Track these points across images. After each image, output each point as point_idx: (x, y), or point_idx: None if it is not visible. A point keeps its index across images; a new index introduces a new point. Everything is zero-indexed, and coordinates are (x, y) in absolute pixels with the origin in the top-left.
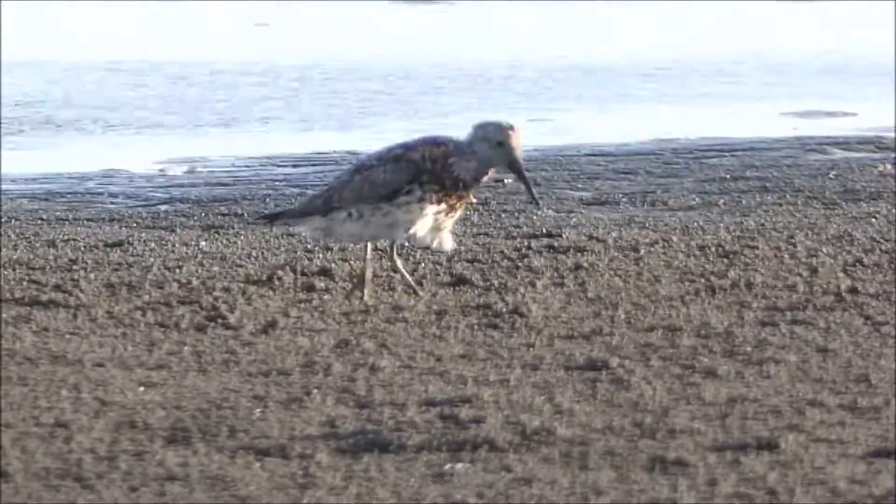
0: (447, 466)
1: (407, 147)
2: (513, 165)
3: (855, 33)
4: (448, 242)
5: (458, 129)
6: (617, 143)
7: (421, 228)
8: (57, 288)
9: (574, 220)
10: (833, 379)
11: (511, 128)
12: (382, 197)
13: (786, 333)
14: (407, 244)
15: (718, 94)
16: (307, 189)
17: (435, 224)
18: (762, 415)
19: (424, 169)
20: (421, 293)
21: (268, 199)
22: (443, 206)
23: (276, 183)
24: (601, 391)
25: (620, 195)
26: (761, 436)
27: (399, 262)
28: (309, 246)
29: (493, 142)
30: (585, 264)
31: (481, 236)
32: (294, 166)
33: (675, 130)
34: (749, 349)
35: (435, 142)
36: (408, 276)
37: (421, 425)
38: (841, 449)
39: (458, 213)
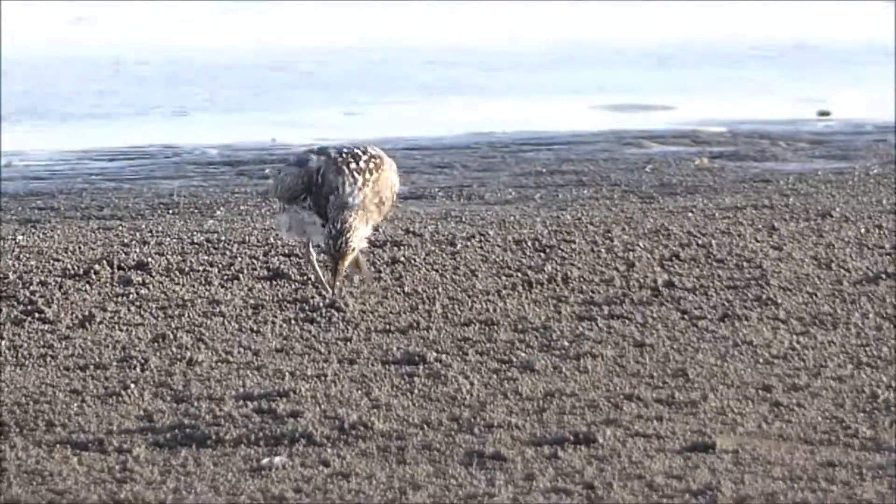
0: (265, 460)
1: (319, 152)
2: (332, 259)
3: (674, 25)
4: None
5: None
6: (433, 136)
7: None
8: None
9: (390, 214)
10: (650, 373)
11: (341, 233)
12: (288, 199)
13: (602, 328)
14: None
15: (534, 87)
16: (123, 183)
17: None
18: (579, 409)
19: (314, 185)
20: (330, 293)
21: (84, 194)
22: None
23: (93, 177)
24: (418, 385)
25: (437, 189)
26: (578, 430)
27: (312, 258)
28: (125, 240)
29: (331, 230)
30: (402, 258)
31: None
32: (110, 160)
33: (491, 124)
34: (566, 343)
35: (339, 169)
36: (319, 273)
37: (238, 419)
38: (658, 443)
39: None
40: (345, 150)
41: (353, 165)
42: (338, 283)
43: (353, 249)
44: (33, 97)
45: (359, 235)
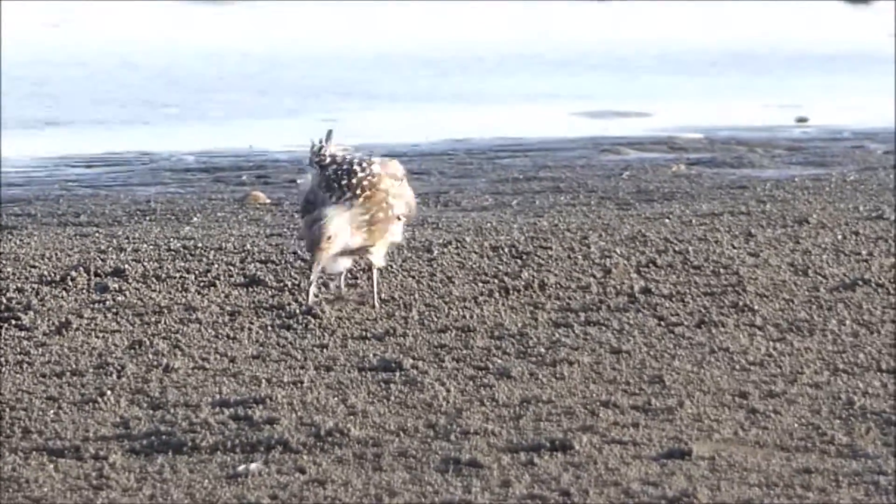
0: (241, 467)
1: (323, 167)
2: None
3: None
4: (380, 261)
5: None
6: (409, 143)
7: (338, 266)
8: None
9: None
10: (626, 380)
11: (319, 218)
12: (300, 210)
13: (579, 334)
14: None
15: (511, 94)
16: (100, 190)
17: (350, 258)
18: (556, 416)
19: (310, 203)
20: (307, 304)
21: (61, 200)
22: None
23: (69, 183)
24: (395, 392)
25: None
26: (555, 437)
27: (314, 275)
28: (102, 247)
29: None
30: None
31: (274, 237)
32: (87, 166)
33: (468, 131)
34: (542, 350)
35: (329, 185)
36: (312, 289)
37: (214, 426)
38: (634, 450)
39: (383, 244)
40: (344, 167)
41: (343, 182)
42: (313, 279)
43: (330, 239)
44: (9, 103)
45: (337, 227)
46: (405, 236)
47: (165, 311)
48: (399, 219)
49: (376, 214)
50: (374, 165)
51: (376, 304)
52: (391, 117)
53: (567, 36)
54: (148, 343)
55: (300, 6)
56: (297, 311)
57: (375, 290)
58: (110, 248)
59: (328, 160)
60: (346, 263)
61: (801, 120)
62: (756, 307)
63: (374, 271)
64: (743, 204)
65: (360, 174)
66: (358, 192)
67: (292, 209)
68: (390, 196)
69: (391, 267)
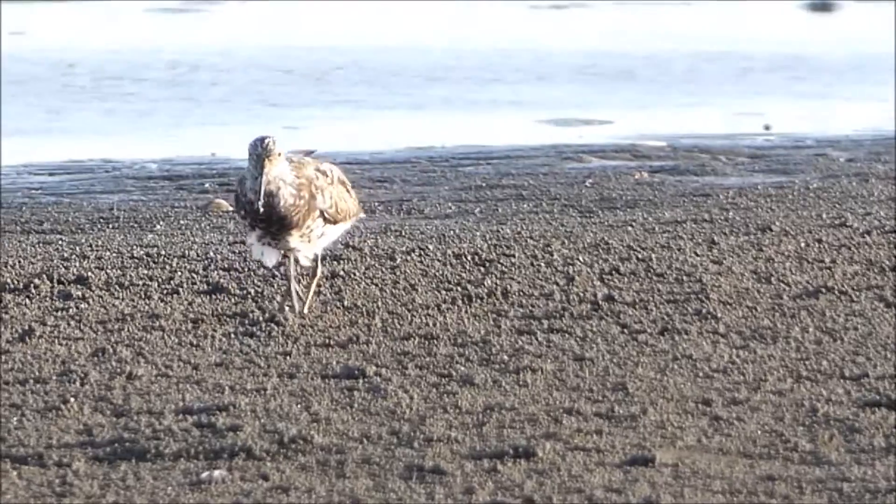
0: (204, 474)
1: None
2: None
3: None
4: (305, 260)
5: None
6: (372, 151)
7: (265, 257)
8: None
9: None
10: (590, 387)
11: (262, 140)
12: (236, 190)
13: (542, 342)
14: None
15: (474, 101)
16: (63, 197)
17: (273, 249)
18: (519, 423)
19: (235, 195)
20: (293, 314)
21: (24, 208)
22: (264, 236)
23: (32, 191)
24: (358, 399)
25: (376, 203)
26: (518, 444)
27: (290, 273)
28: (65, 254)
29: (251, 156)
30: (342, 272)
31: (237, 244)
32: (50, 174)
33: (431, 139)
34: (506, 357)
35: (257, 163)
36: (292, 287)
37: (178, 433)
38: (598, 457)
39: (297, 242)
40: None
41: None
42: (263, 183)
43: (278, 155)
44: None
45: (281, 163)
46: (368, 244)
47: (129, 319)
48: (324, 216)
49: (302, 188)
50: (303, 157)
51: (302, 311)
52: (354, 125)
53: (529, 44)
54: (111, 350)
55: (262, 13)
56: (261, 318)
57: (311, 295)
58: (73, 256)
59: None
60: (274, 256)
61: (767, 127)
62: (719, 314)
63: (315, 277)
64: (706, 212)
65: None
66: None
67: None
68: (313, 184)
69: (354, 274)
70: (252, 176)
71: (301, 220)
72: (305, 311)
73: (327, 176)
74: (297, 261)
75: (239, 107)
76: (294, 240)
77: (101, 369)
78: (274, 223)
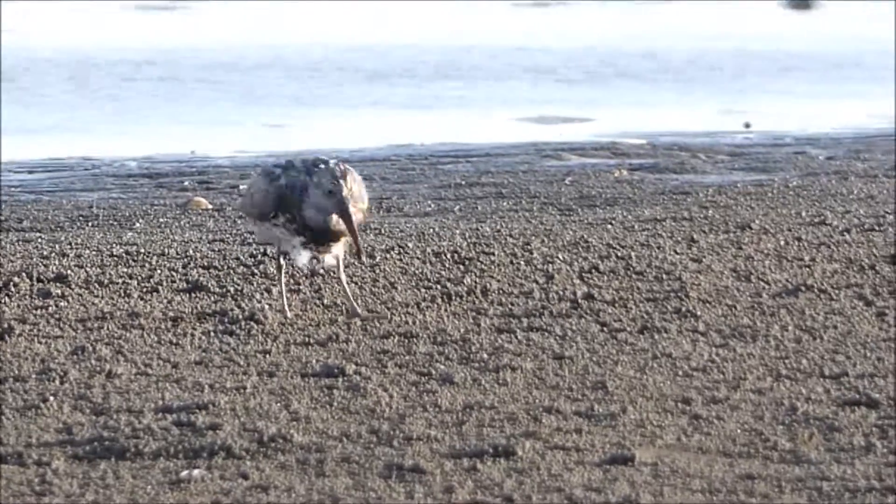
0: (184, 473)
1: (284, 168)
2: (343, 216)
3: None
4: (331, 261)
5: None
6: (352, 148)
7: (296, 256)
8: None
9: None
10: (569, 386)
11: (343, 175)
12: (258, 217)
13: (522, 340)
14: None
15: (454, 99)
16: (42, 195)
17: (312, 255)
18: (498, 422)
19: (286, 203)
20: (288, 315)
21: (3, 206)
22: (310, 246)
23: (12, 189)
24: (338, 398)
25: None
26: (498, 443)
27: (282, 270)
28: (45, 252)
29: (324, 189)
30: (321, 271)
31: (217, 242)
32: (30, 172)
33: (410, 136)
34: (485, 356)
35: (308, 169)
36: (283, 287)
37: (157, 432)
38: (577, 456)
39: (339, 248)
40: (310, 159)
41: (322, 166)
42: (360, 243)
43: (356, 209)
44: None
45: (353, 193)
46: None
47: (108, 317)
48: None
49: (354, 198)
50: (334, 160)
51: (359, 310)
52: (334, 123)
53: (510, 41)
54: (91, 349)
55: (242, 12)
56: (240, 316)
57: (349, 294)
58: (53, 254)
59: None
60: (306, 258)
61: (747, 125)
62: (699, 313)
63: (342, 276)
64: (685, 210)
65: (331, 162)
66: (338, 172)
67: (235, 215)
68: (354, 190)
69: (333, 273)
70: (321, 208)
71: (352, 226)
72: (359, 311)
73: (355, 179)
74: (331, 264)
75: (219, 105)
76: (337, 246)
77: (81, 368)
78: (330, 236)
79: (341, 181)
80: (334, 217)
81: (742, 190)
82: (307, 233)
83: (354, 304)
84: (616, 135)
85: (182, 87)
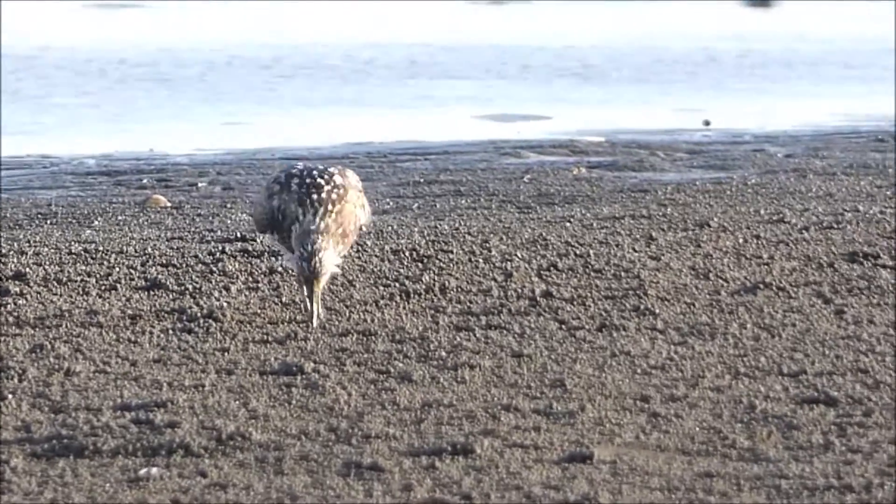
0: (142, 471)
1: (282, 186)
2: (307, 282)
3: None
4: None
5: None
6: (310, 146)
7: (294, 267)
8: None
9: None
10: (528, 384)
11: (318, 232)
12: (260, 230)
13: (480, 338)
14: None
15: (412, 97)
16: (0, 193)
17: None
18: (457, 420)
19: (277, 225)
20: (312, 321)
21: None
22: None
23: None
24: (296, 396)
25: None
26: (456, 441)
27: (315, 304)
28: (3, 250)
29: (301, 253)
30: (279, 268)
31: (175, 240)
32: None
33: (369, 134)
34: (444, 354)
35: (301, 200)
36: (317, 308)
37: (116, 430)
38: (536, 454)
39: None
40: (307, 180)
41: (314, 197)
42: (315, 308)
43: (327, 271)
44: None
45: (329, 257)
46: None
47: (67, 315)
48: (361, 228)
49: (347, 227)
50: (336, 177)
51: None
52: (292, 121)
53: (467, 40)
54: (49, 347)
55: (200, 10)
56: (199, 314)
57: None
58: (11, 252)
59: (293, 180)
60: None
61: (707, 123)
62: (657, 311)
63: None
64: (644, 207)
65: (326, 188)
66: (329, 207)
67: (193, 213)
68: (357, 207)
69: (291, 271)
70: (300, 257)
71: (345, 250)
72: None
73: (360, 190)
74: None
75: (177, 102)
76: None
77: (39, 365)
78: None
79: (314, 243)
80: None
81: (701, 188)
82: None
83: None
84: (575, 133)
85: (140, 85)
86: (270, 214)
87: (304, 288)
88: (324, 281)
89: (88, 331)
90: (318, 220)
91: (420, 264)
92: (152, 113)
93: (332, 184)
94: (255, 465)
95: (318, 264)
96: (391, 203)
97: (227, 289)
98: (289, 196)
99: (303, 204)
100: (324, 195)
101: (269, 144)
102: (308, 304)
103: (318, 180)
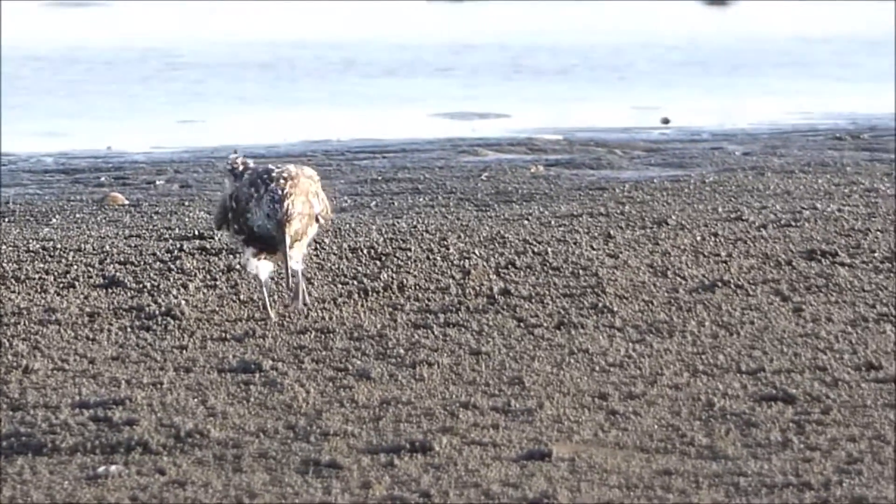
0: (101, 469)
1: (237, 175)
2: (281, 247)
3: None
4: (297, 264)
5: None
6: (267, 144)
7: (261, 272)
8: None
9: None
10: (486, 381)
11: (287, 217)
12: (217, 225)
13: (438, 335)
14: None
15: (370, 95)
16: None
17: (269, 262)
18: (415, 417)
19: (231, 213)
20: (272, 315)
21: None
22: (261, 254)
23: None
24: (254, 393)
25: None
26: (414, 438)
27: (261, 278)
28: None
29: (272, 219)
30: (238, 266)
31: (133, 238)
32: None
33: (326, 132)
34: (402, 351)
35: (253, 181)
36: (265, 294)
37: (74, 427)
38: (494, 451)
39: (300, 244)
40: (261, 172)
41: (266, 177)
42: (290, 265)
43: (297, 213)
44: None
45: (299, 205)
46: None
47: (25, 313)
48: (317, 220)
49: (304, 205)
50: (289, 166)
51: (308, 302)
52: (249, 119)
53: (425, 38)
54: (7, 344)
55: (158, 9)
56: (157, 311)
57: (303, 288)
58: None
59: (241, 168)
60: (268, 268)
61: (666, 121)
62: (615, 308)
63: (299, 274)
64: (602, 205)
65: (275, 171)
66: (282, 182)
67: (151, 210)
68: (310, 193)
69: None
70: (265, 214)
71: (304, 234)
72: (308, 301)
73: (314, 181)
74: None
75: (135, 101)
76: (294, 251)
77: None
78: (279, 244)
79: (283, 189)
80: (294, 226)
81: (658, 185)
82: (257, 244)
83: (306, 295)
84: (532, 130)
85: (97, 84)
86: (223, 203)
87: (277, 255)
88: (293, 228)
89: (46, 328)
90: (277, 187)
91: (378, 262)
92: (110, 111)
93: (286, 171)
94: (214, 462)
95: (290, 206)
96: (349, 201)
97: (186, 286)
98: (240, 183)
99: (255, 184)
100: (274, 175)
101: (226, 142)
102: (266, 295)
103: (272, 171)
